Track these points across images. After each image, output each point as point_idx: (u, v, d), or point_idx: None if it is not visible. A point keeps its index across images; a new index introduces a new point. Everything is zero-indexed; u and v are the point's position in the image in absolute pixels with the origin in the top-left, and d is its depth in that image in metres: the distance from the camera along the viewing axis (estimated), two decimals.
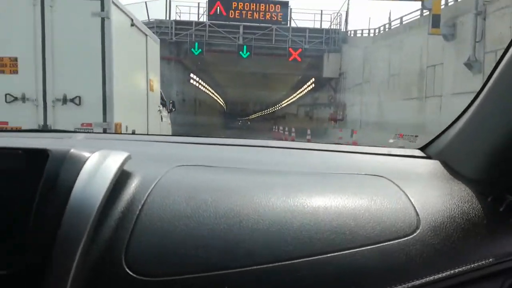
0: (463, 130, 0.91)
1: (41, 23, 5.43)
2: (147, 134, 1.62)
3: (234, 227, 0.69)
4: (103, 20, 5.47)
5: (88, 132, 0.83)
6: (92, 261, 0.63)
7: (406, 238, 0.69)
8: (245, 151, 1.13)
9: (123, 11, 6.13)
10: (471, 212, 0.76)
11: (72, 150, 0.72)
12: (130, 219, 0.69)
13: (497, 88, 0.79)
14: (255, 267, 0.64)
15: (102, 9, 5.47)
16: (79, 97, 5.56)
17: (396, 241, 0.68)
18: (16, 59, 5.47)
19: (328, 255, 0.66)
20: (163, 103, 9.03)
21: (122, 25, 6.10)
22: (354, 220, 0.71)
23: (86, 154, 0.73)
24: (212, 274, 0.63)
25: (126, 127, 6.06)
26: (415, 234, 0.70)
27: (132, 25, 6.56)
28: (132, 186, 0.76)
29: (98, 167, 0.71)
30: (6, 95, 5.48)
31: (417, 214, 0.74)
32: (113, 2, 5.56)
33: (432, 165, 0.98)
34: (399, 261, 0.66)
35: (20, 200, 0.67)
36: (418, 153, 1.08)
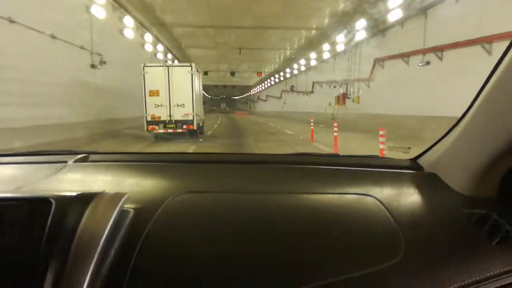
0: (456, 143, 0.90)
1: (168, 76, 14.11)
2: (144, 154, 1.90)
3: (234, 257, 0.74)
4: (192, 74, 14.22)
5: (89, 154, 1.21)
6: None
7: (388, 265, 0.70)
8: (232, 169, 1.13)
9: (196, 68, 14.83)
10: (456, 233, 0.77)
11: (74, 197, 0.77)
12: (130, 255, 0.74)
13: (488, 102, 0.78)
14: None
15: (191, 70, 14.23)
16: (184, 104, 14.28)
17: (379, 267, 0.70)
18: (158, 91, 14.11)
19: (312, 284, 0.68)
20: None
21: (196, 73, 14.78)
22: (340, 246, 0.73)
23: (88, 199, 0.77)
24: None
25: (197, 114, 14.85)
26: (397, 260, 0.71)
27: (197, 71, 15.39)
28: (132, 223, 0.80)
29: (99, 211, 0.76)
30: (155, 104, 14.14)
31: (402, 239, 0.75)
32: (195, 67, 14.38)
33: (422, 177, 0.97)
34: None
35: (29, 248, 0.70)
36: (410, 164, 1.08)
